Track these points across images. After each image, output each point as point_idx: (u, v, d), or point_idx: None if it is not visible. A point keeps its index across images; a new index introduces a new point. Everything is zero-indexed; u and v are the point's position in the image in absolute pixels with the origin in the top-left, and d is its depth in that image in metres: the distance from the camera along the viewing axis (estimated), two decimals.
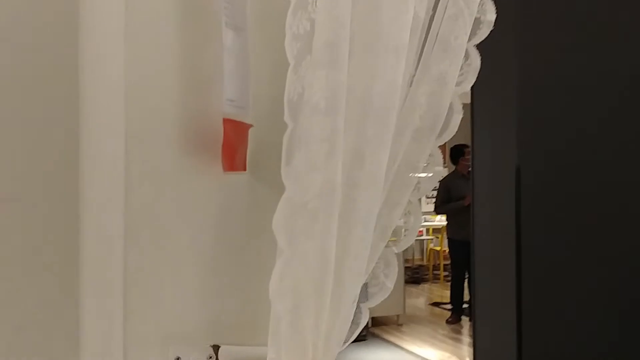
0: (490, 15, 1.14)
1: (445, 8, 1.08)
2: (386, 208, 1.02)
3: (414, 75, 1.07)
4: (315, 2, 0.96)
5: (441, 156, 1.07)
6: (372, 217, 0.98)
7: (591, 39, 2.78)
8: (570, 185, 2.82)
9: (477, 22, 1.13)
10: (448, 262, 7.89)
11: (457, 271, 7.28)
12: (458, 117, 1.09)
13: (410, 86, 1.06)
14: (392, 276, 1.05)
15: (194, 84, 1.02)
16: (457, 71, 1.08)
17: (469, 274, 6.54)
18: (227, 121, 1.00)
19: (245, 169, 1.09)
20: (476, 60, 1.12)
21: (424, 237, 10.30)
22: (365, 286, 1.02)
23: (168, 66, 1.00)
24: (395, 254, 1.06)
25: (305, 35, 0.97)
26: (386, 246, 1.03)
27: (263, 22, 1.10)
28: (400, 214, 1.04)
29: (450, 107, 1.08)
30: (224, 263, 1.07)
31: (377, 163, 0.99)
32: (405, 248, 1.06)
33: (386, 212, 1.02)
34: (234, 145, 1.04)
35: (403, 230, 1.07)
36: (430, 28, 1.09)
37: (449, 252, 7.41)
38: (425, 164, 1.06)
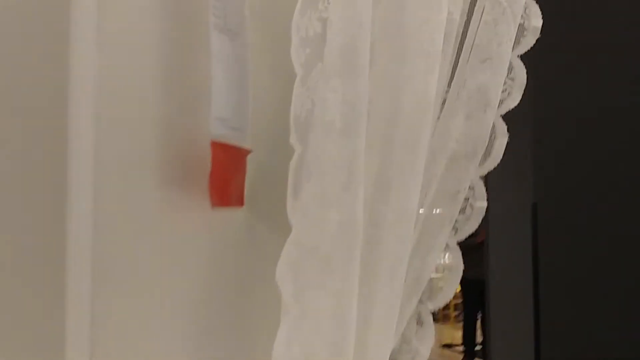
0: (536, 20, 0.95)
1: (483, 9, 0.90)
2: (418, 253, 0.82)
3: (447, 91, 0.88)
4: None
5: (484, 189, 0.87)
6: (401, 265, 0.78)
7: (611, 74, 2.63)
8: (590, 222, 2.65)
9: (520, 29, 0.94)
10: (458, 301, 7.65)
11: (469, 311, 7.03)
12: (503, 140, 0.89)
13: (444, 102, 0.87)
14: (428, 340, 0.84)
15: (177, 99, 0.83)
16: (500, 85, 0.89)
17: (482, 313, 6.31)
18: (216, 145, 0.81)
19: (242, 204, 0.89)
20: (521, 73, 0.93)
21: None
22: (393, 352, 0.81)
23: (145, 78, 0.80)
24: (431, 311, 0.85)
25: (316, 39, 0.79)
26: (419, 302, 0.83)
27: (263, 23, 0.91)
28: (435, 261, 0.84)
29: (493, 129, 0.89)
30: (215, 323, 0.86)
31: (406, 196, 0.79)
32: (443, 305, 0.85)
33: (418, 259, 0.82)
34: (226, 175, 0.84)
35: (439, 281, 0.86)
36: (465, 34, 0.90)
37: (461, 291, 7.16)
38: (464, 199, 0.86)
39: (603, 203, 2.65)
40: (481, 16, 0.89)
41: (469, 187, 0.86)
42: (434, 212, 0.84)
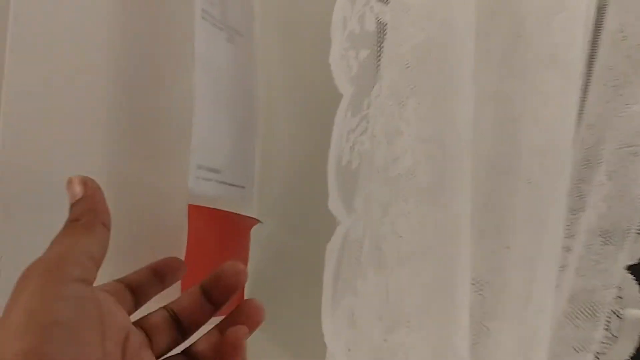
0: None
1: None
2: None
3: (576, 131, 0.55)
4: None
5: (637, 288, 0.53)
6: None
7: None
8: None
9: None
10: None
11: None
12: None
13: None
14: None
15: (132, 135, 0.49)
16: None
17: None
18: (198, 211, 0.47)
19: None
20: None
21: None
22: None
23: (79, 99, 0.46)
24: None
25: (379, 35, 0.47)
26: None
27: (280, 19, 0.58)
28: None
29: None
30: None
31: (531, 302, 0.45)
32: None
33: None
34: (213, 261, 0.50)
35: None
36: (596, 38, 0.57)
37: None
38: (612, 303, 0.52)
39: None
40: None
41: (618, 286, 0.53)
42: (570, 322, 0.50)
